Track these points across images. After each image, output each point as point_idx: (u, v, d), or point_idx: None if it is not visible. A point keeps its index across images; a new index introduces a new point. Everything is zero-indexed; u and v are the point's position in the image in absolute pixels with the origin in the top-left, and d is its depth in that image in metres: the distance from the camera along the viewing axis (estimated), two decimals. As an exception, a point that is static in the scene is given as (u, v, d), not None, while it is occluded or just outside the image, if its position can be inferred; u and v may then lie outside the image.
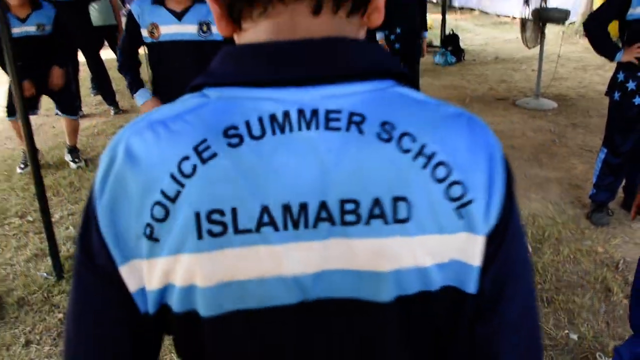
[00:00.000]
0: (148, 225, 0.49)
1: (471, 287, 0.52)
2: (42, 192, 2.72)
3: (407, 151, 0.48)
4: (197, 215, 0.47)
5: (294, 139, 0.48)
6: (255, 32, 0.51)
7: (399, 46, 4.95)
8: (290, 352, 0.53)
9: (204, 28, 2.37)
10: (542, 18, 5.80)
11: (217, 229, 0.47)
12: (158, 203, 0.48)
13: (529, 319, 0.56)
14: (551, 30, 8.56)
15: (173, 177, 0.47)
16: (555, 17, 5.88)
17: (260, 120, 0.48)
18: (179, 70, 2.37)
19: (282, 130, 0.48)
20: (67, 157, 4.42)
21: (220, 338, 0.52)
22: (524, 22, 6.07)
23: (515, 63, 8.73)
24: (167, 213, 0.48)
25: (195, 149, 0.47)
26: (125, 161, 0.49)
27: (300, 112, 0.48)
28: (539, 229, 3.22)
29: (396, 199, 0.48)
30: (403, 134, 0.49)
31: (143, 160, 0.48)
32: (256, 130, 0.48)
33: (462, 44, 9.49)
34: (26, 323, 2.50)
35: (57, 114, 4.51)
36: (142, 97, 2.52)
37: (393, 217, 0.48)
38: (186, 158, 0.47)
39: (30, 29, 3.91)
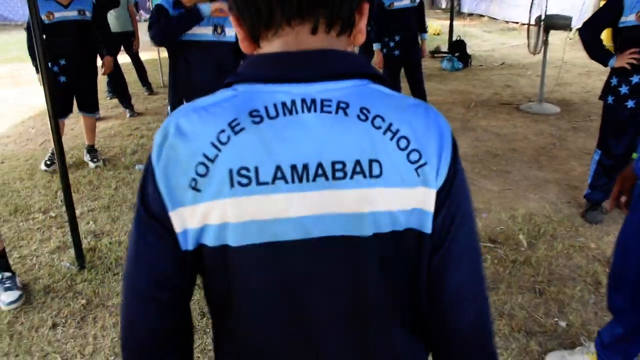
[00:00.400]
0: (193, 179, 0.67)
1: (428, 228, 0.71)
2: (67, 187, 2.92)
3: (378, 128, 0.68)
4: (230, 171, 0.66)
5: (299, 119, 0.67)
6: (270, 47, 0.71)
7: (398, 53, 5.17)
8: (298, 277, 0.71)
9: (219, 30, 2.57)
10: (546, 25, 5.96)
11: (244, 181, 0.66)
12: (201, 163, 0.67)
13: (471, 252, 0.76)
14: (557, 36, 8.71)
15: (213, 144, 0.66)
16: (559, 24, 6.03)
17: (275, 105, 0.68)
18: (198, 65, 2.56)
19: (290, 113, 0.67)
20: (86, 157, 4.64)
21: (244, 264, 0.71)
22: (528, 29, 6.25)
23: (521, 69, 8.88)
24: (207, 170, 0.67)
25: (229, 124, 0.67)
26: (176, 135, 0.68)
27: (303, 101, 0.68)
28: (535, 226, 3.38)
29: (371, 161, 0.67)
30: (376, 116, 0.68)
31: (190, 133, 0.68)
32: (272, 113, 0.67)
33: (469, 50, 9.65)
34: (52, 308, 2.70)
35: (79, 112, 4.70)
36: (205, 6, 2.59)
37: (369, 174, 0.67)
38: (222, 131, 0.67)
39: (71, 13, 4.27)
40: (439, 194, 0.70)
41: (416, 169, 0.68)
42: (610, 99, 3.29)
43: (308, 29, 0.69)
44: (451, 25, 9.99)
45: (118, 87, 6.42)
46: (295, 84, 0.69)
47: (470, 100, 6.71)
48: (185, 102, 2.47)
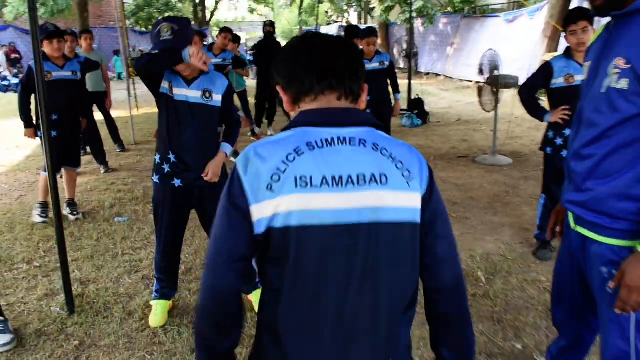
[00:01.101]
0: (269, 184, 1.03)
1: (418, 219, 1.10)
2: (61, 235, 3.13)
3: (384, 155, 1.08)
4: (295, 178, 1.03)
5: (336, 149, 1.08)
6: (309, 107, 1.10)
7: (370, 112, 5.60)
8: (333, 246, 1.06)
9: (207, 94, 2.89)
10: (495, 84, 6.57)
11: (303, 184, 1.04)
12: (275, 173, 1.03)
13: (448, 234, 1.16)
14: (509, 94, 9.43)
15: (283, 161, 1.04)
16: (507, 83, 6.65)
17: (322, 140, 1.08)
18: (188, 123, 2.87)
19: (331, 145, 1.08)
20: (66, 211, 4.81)
21: (300, 238, 1.04)
22: (480, 89, 6.84)
23: (476, 124, 9.52)
24: (279, 178, 1.03)
25: (294, 150, 1.06)
26: (256, 157, 1.06)
27: (339, 138, 1.09)
28: (492, 264, 3.74)
29: (381, 174, 1.07)
30: (383, 148, 1.09)
31: (266, 156, 1.05)
32: (320, 144, 1.08)
33: (427, 107, 10.27)
34: (45, 349, 2.85)
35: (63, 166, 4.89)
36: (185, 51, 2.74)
37: (380, 182, 1.07)
38: (290, 154, 1.05)
39: (66, 73, 4.81)
40: (423, 198, 1.11)
41: (407, 182, 1.09)
42: (548, 150, 3.76)
43: (335, 96, 1.13)
44: (409, 84, 10.65)
45: (94, 144, 6.65)
46: (333, 128, 1.10)
47: (430, 154, 7.20)
48: (171, 154, 2.76)
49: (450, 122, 9.94)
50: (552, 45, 11.72)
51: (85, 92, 6.20)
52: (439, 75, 18.95)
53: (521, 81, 12.45)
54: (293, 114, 1.15)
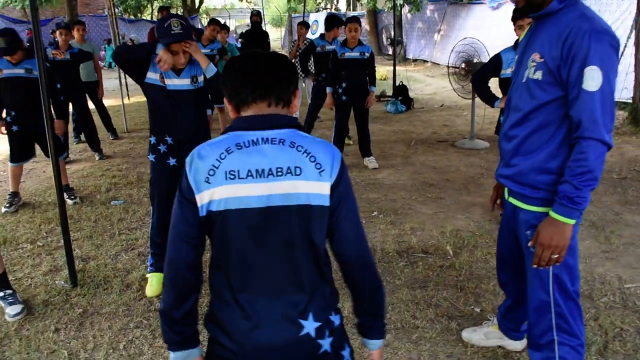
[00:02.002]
0: (207, 177, 1.32)
1: (327, 203, 1.36)
2: (64, 214, 3.44)
3: (299, 151, 1.34)
4: (226, 172, 1.31)
5: (260, 147, 1.33)
6: (246, 113, 1.38)
7: (346, 98, 6.03)
8: (258, 225, 1.34)
9: (195, 79, 3.21)
10: (471, 71, 6.89)
11: (232, 176, 1.30)
12: (211, 169, 1.32)
13: (352, 215, 1.42)
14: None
15: (217, 159, 1.31)
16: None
17: (248, 141, 1.33)
18: (182, 107, 3.22)
19: (255, 145, 1.33)
20: (65, 196, 5.10)
21: (232, 219, 1.33)
22: (450, 75, 7.18)
23: (458, 110, 9.86)
24: (214, 172, 1.31)
25: (226, 150, 1.32)
26: (198, 157, 1.34)
27: (262, 139, 1.34)
28: (460, 239, 4.09)
29: (296, 167, 1.33)
30: (299, 145, 1.35)
31: (205, 156, 1.33)
32: (246, 144, 1.33)
33: (412, 94, 10.59)
34: (52, 317, 3.17)
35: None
36: (159, 47, 3.06)
37: (295, 173, 1.33)
38: (222, 153, 1.31)
39: (19, 71, 4.74)
40: (332, 186, 1.36)
41: (319, 172, 1.34)
42: None
43: (266, 104, 1.38)
44: (394, 71, 10.95)
45: (88, 132, 6.94)
46: (259, 131, 1.36)
47: (411, 139, 7.54)
48: (167, 136, 3.09)
49: (434, 108, 10.27)
50: (534, 32, 12.01)
51: (75, 85, 6.49)
52: (427, 61, 19.25)
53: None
54: None
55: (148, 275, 3.47)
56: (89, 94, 7.37)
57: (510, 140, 2.11)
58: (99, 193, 5.42)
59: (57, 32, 6.55)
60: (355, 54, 5.92)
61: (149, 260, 3.49)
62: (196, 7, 33.74)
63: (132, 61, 3.10)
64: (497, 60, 3.99)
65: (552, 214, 1.93)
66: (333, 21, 6.97)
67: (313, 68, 7.42)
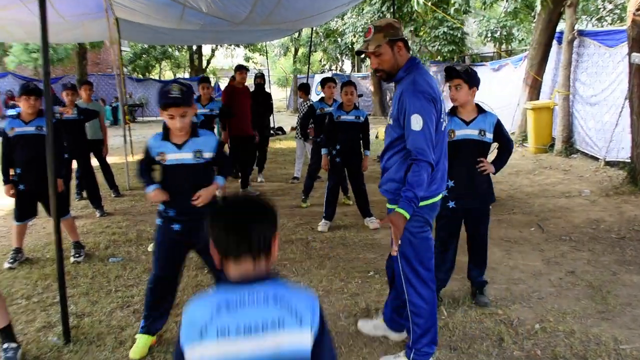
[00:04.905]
0: (199, 333, 1.44)
1: (309, 351, 1.48)
2: (61, 270, 3.51)
3: (282, 306, 1.47)
4: (217, 329, 1.44)
5: (247, 305, 1.46)
6: (233, 266, 1.52)
7: (339, 160, 6.22)
8: None
9: (198, 154, 3.34)
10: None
11: (222, 335, 1.44)
12: (203, 326, 1.45)
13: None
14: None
15: (209, 317, 1.45)
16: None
17: (236, 301, 1.46)
18: (180, 183, 3.32)
19: (242, 304, 1.46)
20: (72, 252, 5.22)
21: None
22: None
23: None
24: (206, 329, 1.45)
25: (216, 308, 1.45)
26: (191, 313, 1.48)
27: (249, 297, 1.47)
28: (455, 299, 4.12)
29: (279, 320, 1.45)
30: (281, 299, 1.48)
31: (198, 313, 1.47)
32: (235, 303, 1.46)
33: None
34: (43, 374, 3.21)
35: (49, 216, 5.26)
36: (150, 188, 3.33)
37: (279, 326, 1.45)
38: (213, 311, 1.45)
39: (30, 129, 4.93)
40: (314, 335, 1.48)
41: (300, 323, 1.46)
42: None
43: (251, 258, 1.51)
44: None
45: (90, 189, 7.10)
46: (245, 287, 1.48)
47: (411, 198, 7.64)
48: (170, 210, 3.19)
49: (434, 167, 10.42)
50: (533, 92, 12.33)
51: (80, 142, 6.68)
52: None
53: (510, 127, 12.96)
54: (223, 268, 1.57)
55: (137, 336, 3.50)
56: (93, 151, 7.62)
57: (382, 162, 3.15)
58: (98, 250, 5.52)
59: (64, 93, 6.82)
60: (350, 117, 6.12)
61: (142, 322, 3.51)
62: (203, 67, 34.78)
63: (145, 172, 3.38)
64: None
65: (398, 210, 2.80)
66: (324, 81, 7.40)
67: (313, 131, 7.68)
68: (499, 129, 3.91)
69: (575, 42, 10.87)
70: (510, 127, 13.15)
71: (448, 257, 4.09)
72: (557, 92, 11.27)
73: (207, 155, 3.33)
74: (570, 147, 10.92)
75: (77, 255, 5.21)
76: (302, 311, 1.47)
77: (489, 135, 3.87)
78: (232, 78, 8.36)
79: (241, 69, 8.21)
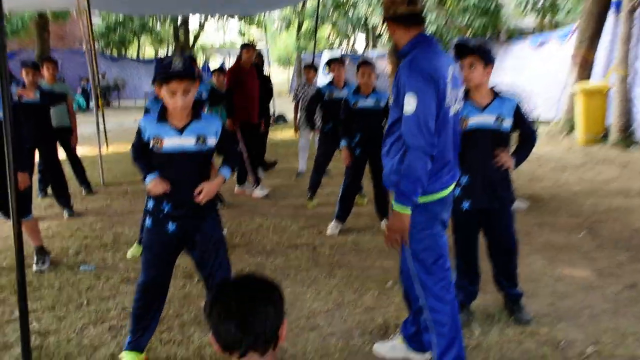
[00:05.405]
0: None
1: None
2: (22, 281, 3.51)
3: None
4: None
5: None
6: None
7: (359, 152, 6.21)
8: None
9: (201, 140, 3.33)
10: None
11: None
12: None
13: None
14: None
15: None
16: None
17: None
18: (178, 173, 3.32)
19: None
20: (34, 259, 5.24)
21: None
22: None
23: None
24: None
25: None
26: None
27: None
28: (489, 316, 4.12)
29: None
30: None
31: None
32: None
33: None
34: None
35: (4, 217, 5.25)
36: (150, 177, 3.32)
37: None
38: None
39: None
40: None
41: None
42: None
43: (258, 354, 1.54)
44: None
45: (56, 185, 7.15)
46: None
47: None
48: (165, 204, 3.19)
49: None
50: (584, 73, 12.26)
51: (44, 130, 6.67)
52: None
53: (545, 116, 13.03)
54: None
55: (122, 354, 3.51)
56: (60, 141, 7.59)
57: (383, 146, 3.21)
58: (66, 256, 5.56)
59: (23, 72, 6.71)
60: (369, 102, 6.13)
61: (128, 337, 3.52)
62: (190, 44, 34.86)
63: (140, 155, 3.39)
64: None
65: (394, 207, 3.00)
66: (331, 61, 7.54)
67: (319, 118, 7.68)
68: (519, 115, 3.89)
69: (637, 12, 10.80)
70: (555, 114, 13.10)
71: (470, 265, 4.11)
72: (614, 71, 11.21)
73: (211, 141, 3.32)
74: (628, 138, 10.88)
75: (40, 262, 5.25)
76: None
77: (508, 123, 3.85)
78: (239, 57, 8.40)
79: (248, 47, 8.35)
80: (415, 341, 3.54)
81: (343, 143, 6.26)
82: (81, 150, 8.47)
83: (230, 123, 7.92)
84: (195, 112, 3.31)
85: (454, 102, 3.11)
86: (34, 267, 5.17)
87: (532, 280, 4.80)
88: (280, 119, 18.43)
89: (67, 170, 7.58)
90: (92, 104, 10.00)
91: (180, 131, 3.25)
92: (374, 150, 6.14)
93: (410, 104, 2.89)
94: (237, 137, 8.00)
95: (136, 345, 3.49)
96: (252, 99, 8.25)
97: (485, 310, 4.22)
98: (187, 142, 3.26)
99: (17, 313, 3.99)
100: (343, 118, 6.26)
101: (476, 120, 3.81)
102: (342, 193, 6.40)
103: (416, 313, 3.47)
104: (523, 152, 4.03)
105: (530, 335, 3.85)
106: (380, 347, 3.70)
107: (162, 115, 3.27)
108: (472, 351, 3.64)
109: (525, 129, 3.98)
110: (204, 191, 3.27)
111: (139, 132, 3.33)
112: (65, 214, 7.03)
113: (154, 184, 3.27)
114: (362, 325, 4.05)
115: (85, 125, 12.94)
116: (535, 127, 4.09)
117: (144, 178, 3.34)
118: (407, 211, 2.96)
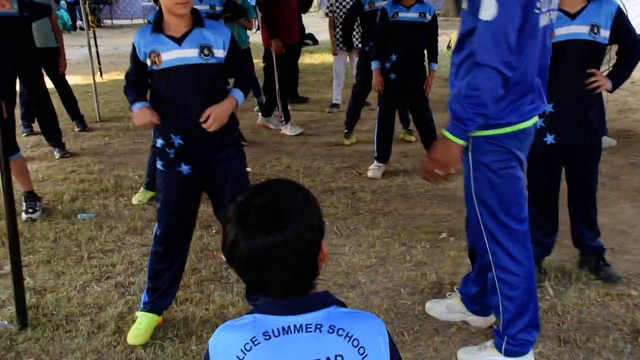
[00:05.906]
0: None
1: None
2: (14, 231, 3.62)
3: (340, 336, 1.52)
4: None
5: (292, 337, 1.50)
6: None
7: (394, 77, 6.08)
8: None
9: (206, 51, 3.32)
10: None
11: None
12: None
13: None
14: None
15: (242, 350, 1.48)
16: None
17: (278, 329, 1.50)
18: (182, 93, 3.31)
19: (287, 333, 1.50)
20: (22, 205, 5.38)
21: None
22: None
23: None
24: None
25: (251, 339, 1.49)
26: (217, 345, 1.54)
27: (295, 326, 1.51)
28: (565, 273, 4.13)
29: (337, 356, 1.49)
30: (340, 329, 1.52)
31: (224, 344, 1.53)
32: (276, 333, 1.50)
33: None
34: (-7, 369, 3.36)
35: None
36: (136, 106, 3.32)
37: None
38: (247, 343, 1.48)
39: None
40: None
41: (362, 358, 1.50)
42: None
43: (295, 294, 1.55)
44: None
45: (44, 120, 7.15)
46: (290, 316, 1.52)
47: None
48: (174, 137, 3.23)
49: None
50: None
51: (25, 51, 6.61)
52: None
53: None
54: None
55: (138, 314, 3.61)
56: (45, 66, 7.50)
57: (451, 67, 3.06)
58: (61, 203, 5.70)
59: None
60: (411, 15, 5.99)
61: (144, 297, 3.62)
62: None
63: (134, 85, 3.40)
64: None
65: (443, 132, 2.85)
66: None
67: (359, 37, 7.56)
68: (620, 23, 3.71)
69: None
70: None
71: (548, 213, 4.08)
72: None
73: (219, 53, 3.30)
74: None
75: (30, 210, 5.38)
76: (365, 343, 1.53)
77: (605, 34, 3.68)
78: None
79: None
80: (477, 303, 3.54)
81: (375, 65, 6.18)
82: (72, 79, 8.53)
83: (278, 44, 7.76)
84: (196, 18, 3.28)
85: (547, 7, 2.85)
86: (24, 216, 5.30)
87: (621, 232, 4.78)
88: (309, 38, 17.68)
89: (56, 102, 7.57)
90: (79, 22, 9.95)
91: (179, 41, 3.23)
92: (413, 75, 6.08)
93: (488, 8, 2.64)
94: (270, 60, 7.92)
95: (154, 307, 3.57)
96: (292, 14, 8.01)
97: (560, 267, 4.23)
98: (188, 53, 3.23)
99: (7, 267, 4.15)
100: (377, 32, 6.12)
101: (565, 31, 3.64)
102: (377, 129, 6.40)
103: (480, 270, 3.44)
104: (623, 70, 3.89)
105: (617, 298, 3.85)
106: (433, 307, 3.72)
107: (158, 25, 3.24)
108: (544, 314, 3.66)
109: (627, 40, 3.79)
110: (212, 116, 3.21)
111: (134, 53, 3.32)
112: (57, 154, 7.13)
113: (139, 113, 3.27)
114: (410, 283, 4.11)
115: (72, 49, 13.01)
116: (638, 37, 3.90)
117: (131, 104, 3.34)
118: (460, 141, 2.82)
